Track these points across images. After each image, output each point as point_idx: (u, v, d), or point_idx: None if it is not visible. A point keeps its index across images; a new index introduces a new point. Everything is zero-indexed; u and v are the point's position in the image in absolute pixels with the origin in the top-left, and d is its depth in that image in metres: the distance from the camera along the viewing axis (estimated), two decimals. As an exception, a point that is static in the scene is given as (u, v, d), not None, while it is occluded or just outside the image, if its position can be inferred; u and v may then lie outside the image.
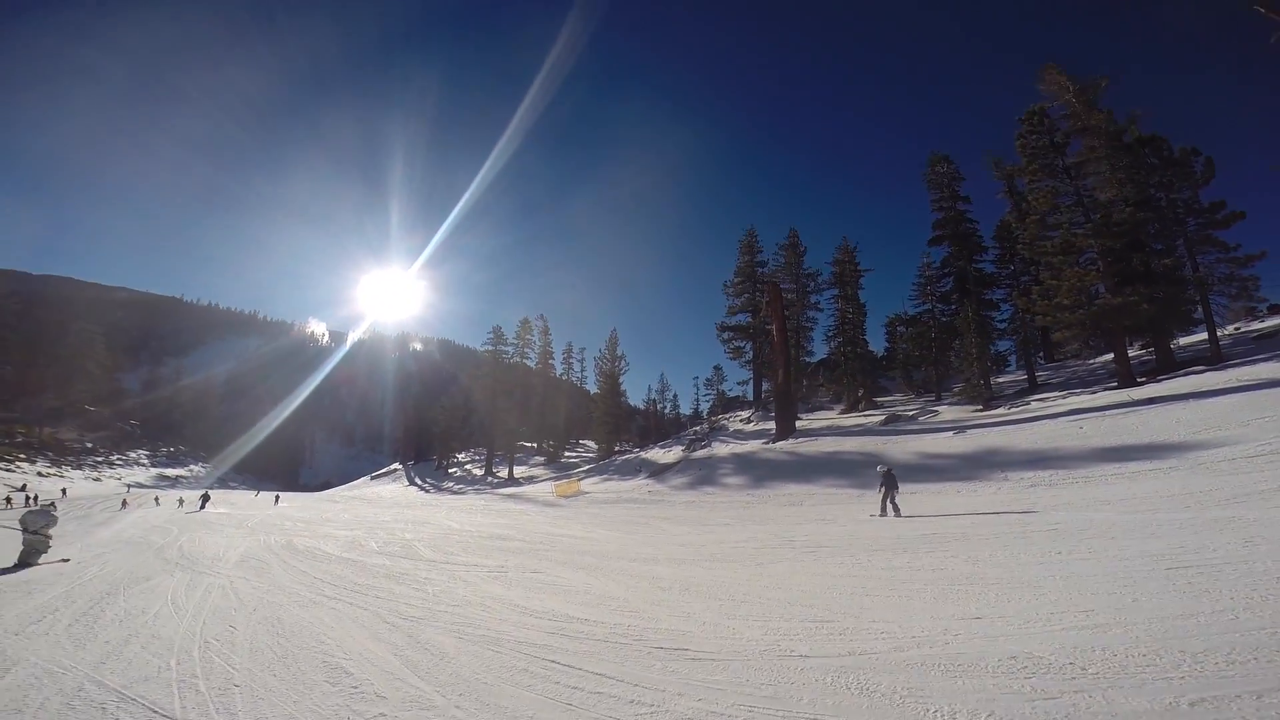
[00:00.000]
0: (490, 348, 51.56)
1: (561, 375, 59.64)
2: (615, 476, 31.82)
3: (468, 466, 54.00)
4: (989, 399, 27.06)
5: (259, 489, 61.57)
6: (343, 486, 64.87)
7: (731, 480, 24.57)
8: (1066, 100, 28.01)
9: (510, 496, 30.50)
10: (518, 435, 49.90)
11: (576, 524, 17.53)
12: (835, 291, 43.05)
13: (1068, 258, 25.62)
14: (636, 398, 76.96)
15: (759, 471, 24.53)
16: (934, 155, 37.11)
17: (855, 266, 41.76)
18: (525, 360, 52.36)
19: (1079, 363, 33.84)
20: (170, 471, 70.16)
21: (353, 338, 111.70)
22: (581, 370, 65.07)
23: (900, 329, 38.34)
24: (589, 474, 34.89)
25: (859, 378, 38.35)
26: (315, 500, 41.90)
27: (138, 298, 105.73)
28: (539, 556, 10.98)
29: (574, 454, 55.12)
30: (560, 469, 44.99)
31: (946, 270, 35.37)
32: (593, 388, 64.78)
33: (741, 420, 37.83)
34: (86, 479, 53.32)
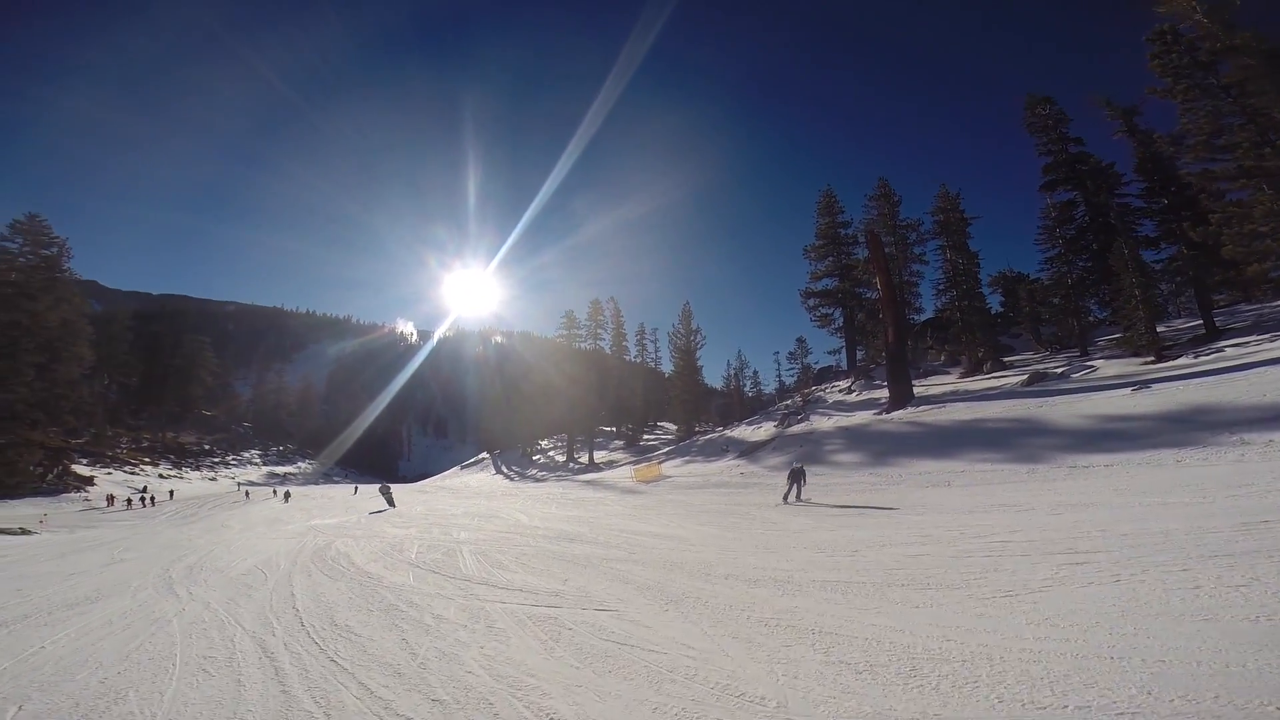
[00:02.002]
0: (564, 333, 49.20)
1: (635, 357, 56.64)
2: (699, 458, 28.21)
3: (550, 453, 52.01)
4: (1161, 348, 21.33)
5: (359, 482, 62.40)
6: (436, 477, 64.85)
7: (844, 458, 20.40)
8: (1195, 21, 21.98)
9: (589, 483, 27.56)
10: (595, 420, 47.23)
11: (660, 516, 14.11)
12: (939, 243, 37.29)
13: (1253, 181, 19.86)
14: (713, 378, 73.09)
15: (877, 446, 20.25)
16: (1032, 98, 32.09)
17: (961, 214, 35.83)
18: (599, 343, 49.53)
19: (1252, 306, 26.98)
20: (280, 469, 72.51)
21: (437, 335, 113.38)
22: (656, 351, 61.77)
23: (1020, 282, 32.46)
24: (669, 456, 31.49)
25: (979, 335, 32.70)
26: (402, 491, 40.86)
27: (245, 310, 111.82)
28: (610, 573, 7.65)
29: (653, 436, 52.00)
30: (639, 452, 41.89)
31: (1073, 213, 29.39)
32: (667, 368, 61.51)
33: (840, 391, 33.19)
34: (203, 479, 55.29)
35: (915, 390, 26.51)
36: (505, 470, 48.07)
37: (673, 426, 57.54)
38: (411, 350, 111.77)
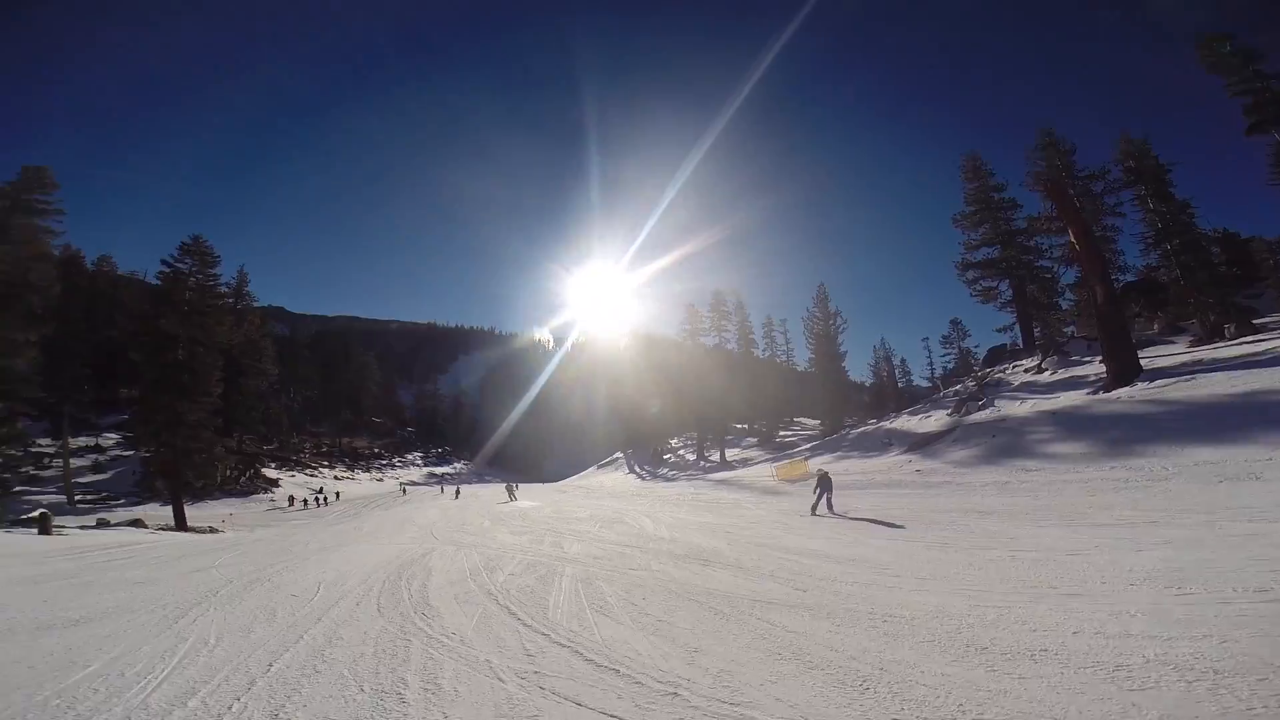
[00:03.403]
0: (686, 328, 46.53)
1: (764, 351, 52.53)
2: (854, 453, 23.86)
3: (680, 452, 49.46)
4: None
5: (508, 480, 64.28)
6: (574, 477, 65.08)
7: (1060, 448, 15.46)
8: None
9: (722, 483, 24.33)
10: (726, 416, 43.82)
11: (819, 526, 10.64)
12: (1133, 194, 29.80)
13: None
14: (853, 372, 66.39)
15: (1109, 432, 15.10)
16: (1211, 36, 26.25)
17: (1155, 160, 28.34)
18: (723, 335, 46.17)
19: None
20: (438, 470, 76.92)
21: (570, 339, 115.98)
22: (787, 343, 57.09)
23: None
24: (815, 452, 27.29)
25: (1210, 295, 25.10)
26: (543, 491, 40.45)
27: (405, 327, 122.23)
28: (771, 636, 4.58)
29: (790, 432, 47.47)
30: (775, 449, 37.79)
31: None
32: (800, 362, 56.48)
33: (1026, 370, 26.93)
34: (371, 480, 59.39)
35: (1140, 362, 20.17)
36: (637, 470, 46.22)
37: (812, 422, 52.54)
38: (548, 355, 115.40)
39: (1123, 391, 18.08)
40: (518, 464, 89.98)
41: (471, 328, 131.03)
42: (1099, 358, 23.58)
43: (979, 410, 22.67)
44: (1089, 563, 6.22)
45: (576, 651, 4.37)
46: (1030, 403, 21.11)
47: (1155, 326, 29.70)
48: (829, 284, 42.41)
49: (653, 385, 52.77)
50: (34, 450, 35.56)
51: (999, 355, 35.77)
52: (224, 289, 50.03)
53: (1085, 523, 8.72)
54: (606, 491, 30.65)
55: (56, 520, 23.04)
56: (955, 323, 53.00)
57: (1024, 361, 29.51)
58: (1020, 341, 34.94)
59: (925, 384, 52.52)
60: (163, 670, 4.22)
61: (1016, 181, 36.54)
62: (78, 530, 20.29)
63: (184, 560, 11.64)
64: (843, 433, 31.56)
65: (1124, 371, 19.02)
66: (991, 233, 34.65)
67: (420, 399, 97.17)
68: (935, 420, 24.60)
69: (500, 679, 3.89)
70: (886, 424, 27.96)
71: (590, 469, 64.91)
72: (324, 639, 5.06)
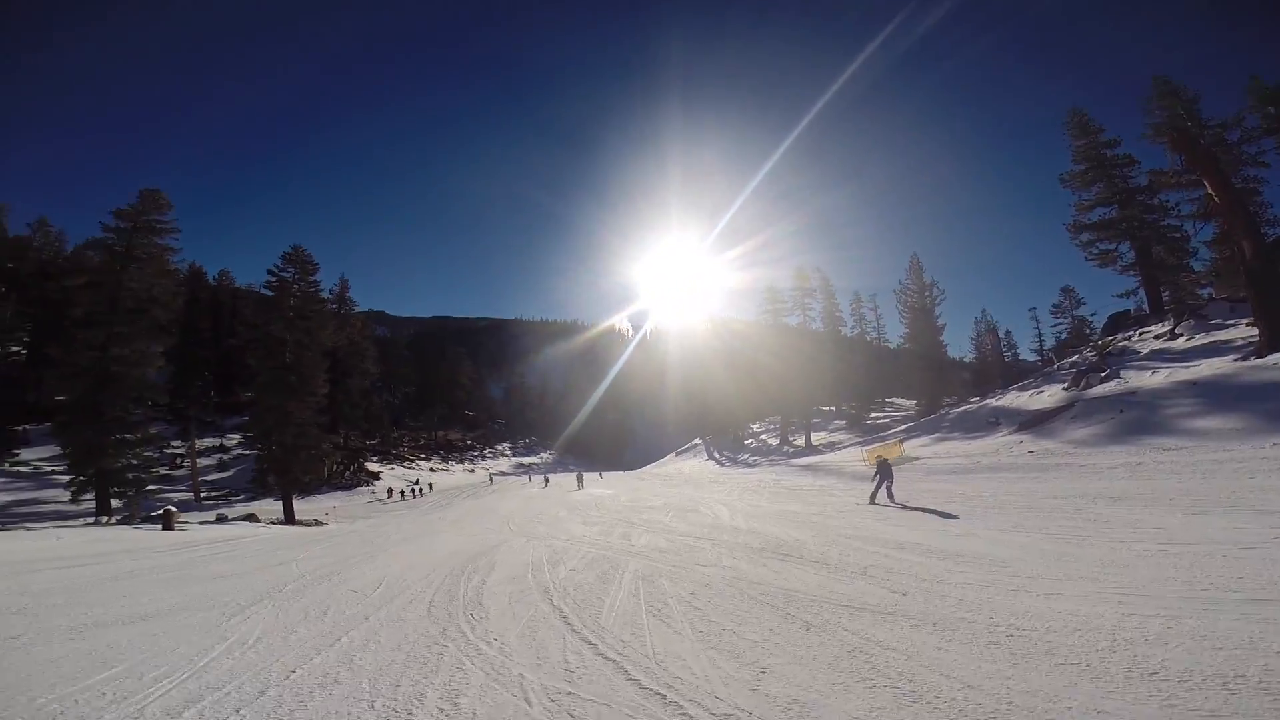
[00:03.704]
0: (769, 307, 44.63)
1: (853, 329, 49.71)
2: (955, 434, 21.76)
3: (763, 436, 47.89)
4: None
5: (591, 469, 65.45)
6: (653, 464, 65.00)
7: (1204, 423, 13.18)
8: None
9: (807, 468, 22.91)
10: (810, 399, 41.78)
11: (925, 517, 9.38)
12: (1272, 143, 25.59)
13: None
14: (952, 349, 61.72)
15: (1266, 404, 12.73)
16: None
17: None
18: (808, 314, 43.93)
19: None
20: (525, 459, 79.24)
21: (646, 327, 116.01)
22: (878, 320, 53.77)
23: None
24: (911, 433, 25.19)
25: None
26: (621, 479, 40.46)
27: (493, 323, 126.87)
28: (866, 660, 3.60)
29: (881, 414, 44.68)
30: (866, 432, 35.52)
31: None
32: (893, 340, 53.16)
33: (1157, 337, 23.52)
34: (464, 470, 61.93)
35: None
36: (716, 456, 45.20)
37: (906, 403, 49.31)
38: (627, 344, 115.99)
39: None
40: (599, 452, 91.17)
41: (555, 320, 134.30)
42: (1245, 320, 20.24)
43: (1101, 383, 19.93)
44: (1272, 560, 4.83)
45: (621, 668, 3.69)
46: (1164, 372, 18.28)
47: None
48: (923, 257, 39.10)
49: (732, 369, 51.43)
50: (168, 452, 39.71)
51: (1121, 322, 31.68)
52: (327, 296, 53.78)
53: (1249, 509, 7.07)
54: (684, 479, 29.98)
55: (182, 516, 25.38)
56: (1067, 290, 47.89)
57: (1152, 328, 25.89)
58: (1146, 307, 31.01)
59: (1034, 359, 47.96)
60: (183, 674, 3.97)
61: (1132, 137, 32.74)
62: (197, 525, 22.10)
63: (276, 553, 12.09)
64: (941, 413, 29.08)
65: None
66: (1107, 191, 31.12)
67: (509, 392, 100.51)
68: (1049, 395, 21.96)
69: (528, 701, 3.28)
70: (992, 401, 25.39)
71: (669, 456, 64.50)
72: (361, 642, 4.69)
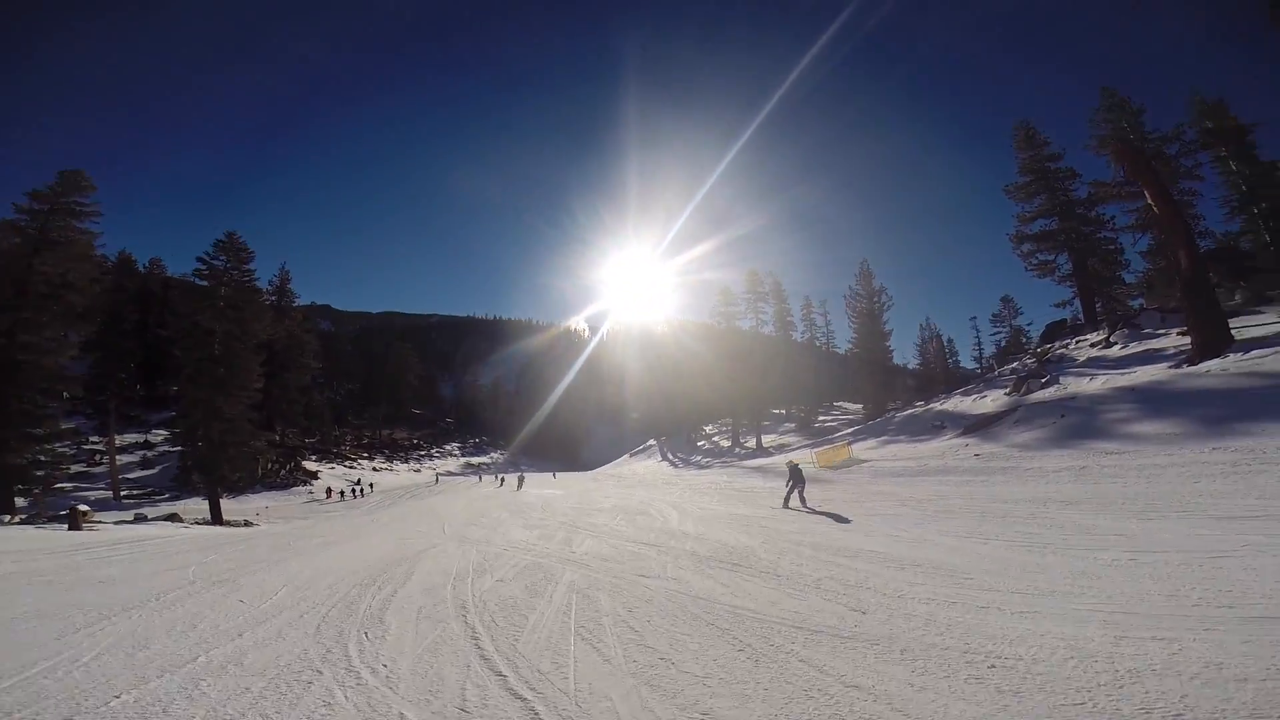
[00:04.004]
0: (721, 309, 44.60)
1: (803, 334, 50.38)
2: (902, 437, 21.87)
3: (715, 439, 47.84)
4: None
5: (545, 470, 64.08)
6: (608, 465, 64.25)
7: (1144, 428, 13.39)
8: None
9: (757, 470, 22.65)
10: (761, 402, 41.92)
11: (877, 521, 8.99)
12: (1208, 157, 27.08)
13: None
14: (896, 357, 63.38)
15: (1202, 409, 13.02)
16: None
17: (1235, 120, 25.66)
18: (760, 316, 44.10)
19: None
20: (475, 459, 77.08)
21: (603, 329, 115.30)
22: (828, 325, 54.68)
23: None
24: (858, 436, 25.30)
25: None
26: (576, 479, 39.54)
27: (445, 320, 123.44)
28: (823, 701, 2.94)
29: (829, 417, 45.30)
30: (815, 435, 35.80)
31: None
32: (841, 345, 54.23)
33: (1093, 345, 24.31)
34: (409, 470, 59.60)
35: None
36: (670, 457, 44.86)
37: (853, 406, 50.24)
38: (584, 345, 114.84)
39: (1213, 364, 15.70)
40: (554, 452, 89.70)
41: (509, 319, 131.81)
42: (1177, 330, 21.09)
43: (1042, 388, 20.38)
44: (1252, 569, 4.52)
45: (531, 710, 2.99)
46: (1101, 379, 18.79)
47: (1237, 297, 26.52)
48: (872, 264, 39.68)
49: (686, 371, 51.26)
50: (87, 447, 36.50)
51: (1058, 331, 32.87)
52: (267, 287, 50.80)
53: (1203, 514, 6.92)
54: (637, 480, 29.39)
55: (99, 515, 23.12)
56: (1007, 300, 49.74)
57: (1088, 336, 26.85)
58: (1081, 316, 32.33)
59: (974, 366, 49.56)
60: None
61: (1074, 151, 34.36)
62: (111, 525, 20.08)
63: (180, 556, 10.80)
64: (888, 416, 29.43)
65: (1212, 342, 16.56)
66: (1048, 203, 32.45)
67: (460, 390, 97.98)
68: (992, 400, 22.38)
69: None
70: (936, 405, 25.78)
71: (624, 457, 63.95)
72: (219, 664, 3.84)
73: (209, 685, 3.43)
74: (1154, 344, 21.20)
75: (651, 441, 62.06)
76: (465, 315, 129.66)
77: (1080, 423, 15.23)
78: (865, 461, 18.36)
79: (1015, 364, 30.34)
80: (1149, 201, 21.32)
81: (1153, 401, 14.90)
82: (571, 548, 8.50)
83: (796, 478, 11.75)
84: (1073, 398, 17.52)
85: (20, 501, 21.83)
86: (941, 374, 38.68)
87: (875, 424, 28.05)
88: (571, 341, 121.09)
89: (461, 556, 8.30)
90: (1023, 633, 3.66)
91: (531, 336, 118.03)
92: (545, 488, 30.12)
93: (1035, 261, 33.23)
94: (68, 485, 30.97)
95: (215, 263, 28.01)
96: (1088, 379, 19.30)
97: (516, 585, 6.04)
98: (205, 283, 28.44)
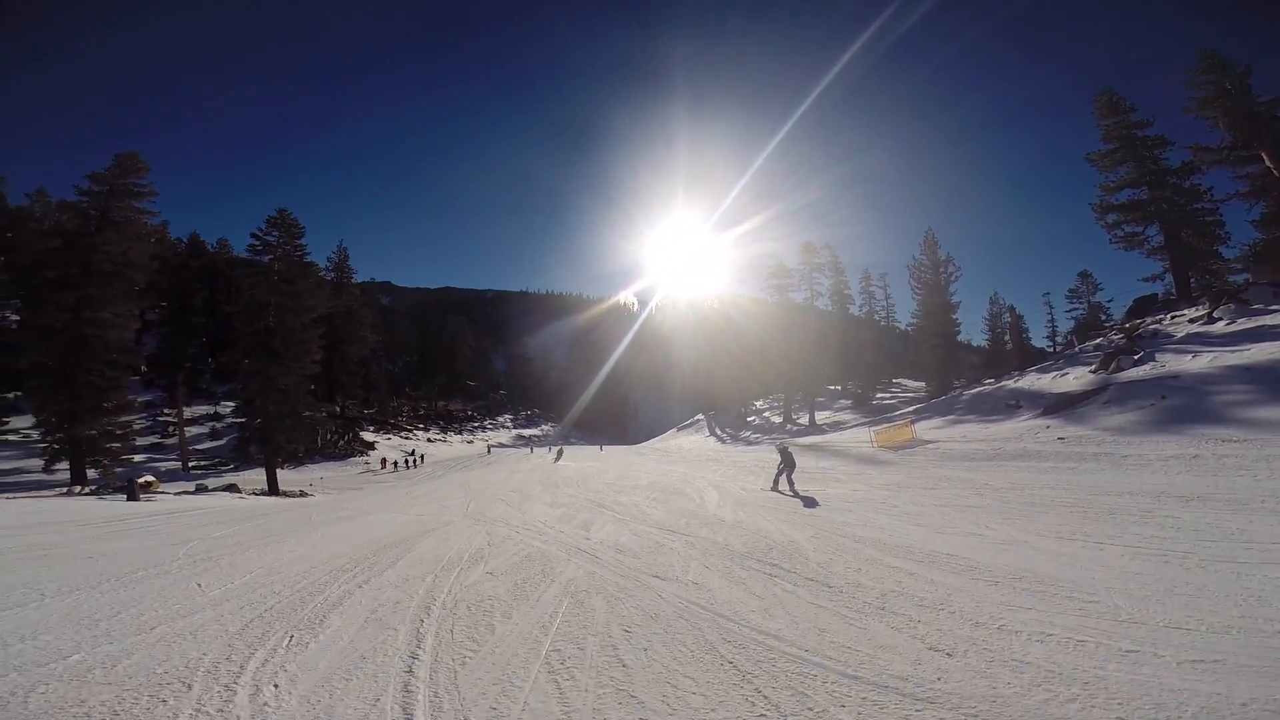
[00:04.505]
0: (774, 282, 42.38)
1: (862, 308, 47.66)
2: (971, 417, 19.79)
3: (766, 414, 46.10)
4: None
5: (594, 443, 64.12)
6: (655, 439, 63.59)
7: (1265, 413, 11.24)
8: None
9: (810, 448, 20.98)
10: (815, 377, 39.77)
11: (941, 510, 7.55)
12: None
13: None
14: (960, 334, 59.35)
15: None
16: None
17: None
18: (815, 289, 41.67)
19: None
20: (526, 431, 77.93)
21: (652, 303, 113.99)
22: (887, 299, 51.55)
23: None
24: (921, 415, 23.22)
25: None
26: (621, 453, 38.86)
27: (499, 295, 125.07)
28: None
29: (888, 394, 42.73)
30: (872, 413, 33.59)
31: None
32: (902, 320, 51.07)
33: (1192, 321, 21.24)
34: (462, 441, 60.57)
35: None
36: (718, 432, 43.54)
37: (913, 384, 47.29)
38: (633, 319, 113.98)
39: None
40: (603, 426, 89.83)
41: (561, 294, 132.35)
42: (1294, 303, 18.08)
43: (1134, 365, 17.82)
44: None
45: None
46: (1208, 357, 16.16)
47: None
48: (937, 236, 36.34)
49: (737, 345, 49.49)
50: (161, 419, 38.40)
51: (1147, 306, 29.38)
52: (326, 264, 52.02)
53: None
54: (681, 455, 28.25)
55: (164, 485, 23.96)
56: (1084, 275, 45.60)
57: (1185, 311, 23.64)
58: (1174, 291, 28.90)
59: (1044, 346, 45.86)
60: None
61: (1167, 117, 31.06)
62: (170, 496, 20.61)
63: (201, 529, 10.43)
64: (954, 394, 27.08)
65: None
66: (1135, 172, 29.34)
67: (512, 364, 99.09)
68: (1074, 378, 19.88)
69: None
70: (1009, 383, 23.32)
71: (671, 431, 63.05)
72: (78, 670, 2.96)
73: (45, 692, 2.54)
74: (1267, 320, 18.21)
75: (699, 416, 60.83)
76: (519, 290, 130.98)
77: (1186, 405, 12.98)
78: (930, 443, 16.51)
79: (1100, 339, 27.30)
80: (1268, 164, 18.24)
81: (1273, 383, 12.52)
82: (588, 533, 7.44)
83: (788, 461, 11.60)
84: (1174, 377, 15.08)
85: (92, 473, 22.72)
86: (1016, 350, 35.28)
87: (940, 402, 25.80)
88: (621, 316, 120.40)
89: (467, 539, 7.38)
90: (1210, 701, 2.30)
91: (582, 311, 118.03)
92: (586, 460, 29.49)
93: (1121, 233, 30.11)
94: (140, 457, 32.58)
95: (268, 238, 28.28)
96: (1189, 357, 16.68)
97: (505, 581, 5.00)
98: (256, 257, 28.80)
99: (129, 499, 17.53)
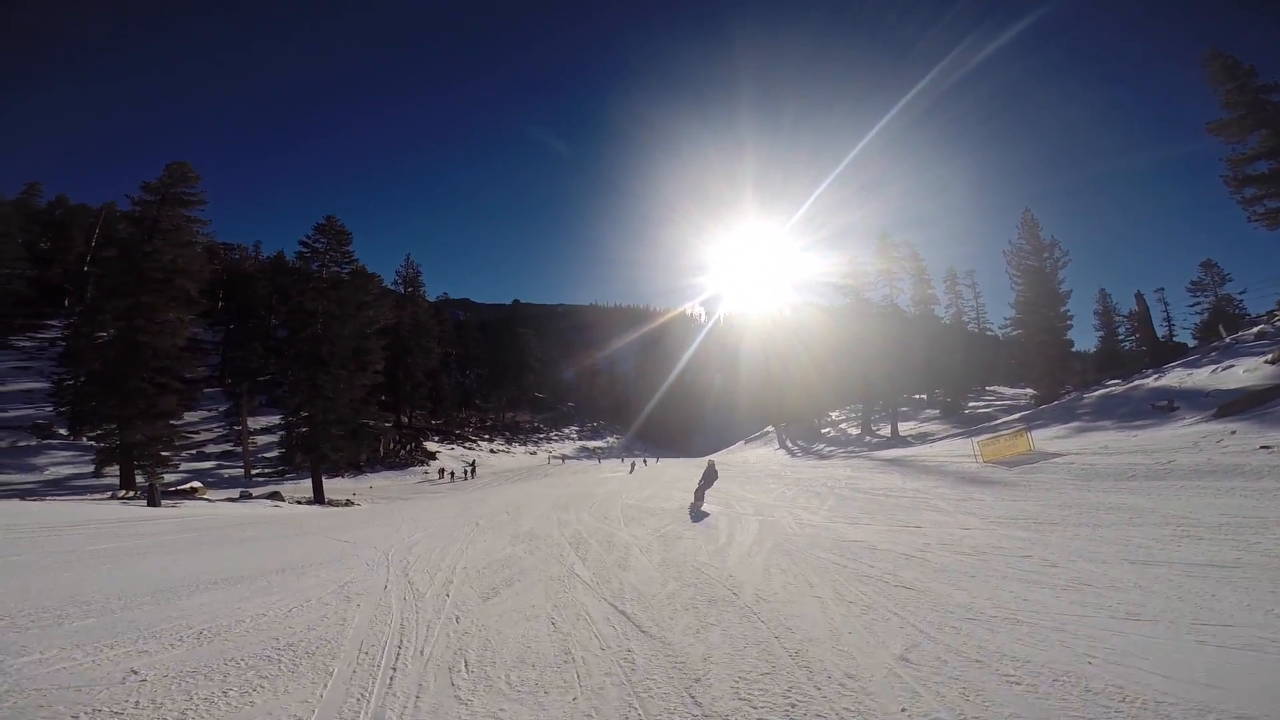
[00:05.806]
0: (850, 284, 38.15)
1: (948, 309, 42.42)
2: (1106, 423, 15.43)
3: (842, 425, 41.66)
4: None
5: (657, 454, 61.37)
6: (722, 451, 59.96)
7: None
8: None
9: (893, 463, 17.11)
10: (898, 385, 35.10)
11: (1153, 572, 4.08)
12: None
13: None
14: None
15: None
16: None
17: None
18: (895, 287, 37.06)
19: None
20: (590, 444, 76.23)
21: (719, 313, 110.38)
22: (976, 301, 45.87)
23: None
24: (1031, 423, 18.74)
25: None
26: (682, 466, 35.89)
27: (570, 309, 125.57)
28: None
29: (980, 403, 37.30)
30: (963, 422, 28.75)
31: None
32: (993, 323, 45.34)
33: None
34: (525, 453, 59.42)
35: None
36: (789, 445, 39.59)
37: (1009, 391, 41.40)
38: (699, 330, 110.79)
39: None
40: (668, 438, 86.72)
41: (629, 306, 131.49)
42: None
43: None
44: None
45: None
46: None
47: None
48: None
49: (809, 354, 45.33)
50: (237, 428, 39.24)
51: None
52: (395, 278, 52.59)
53: None
54: (740, 470, 24.89)
55: (215, 492, 23.50)
56: (1209, 265, 38.71)
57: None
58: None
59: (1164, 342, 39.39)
60: None
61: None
62: (204, 502, 19.78)
63: (184, 536, 8.58)
64: (1072, 395, 22.28)
65: None
66: (1273, 139, 23.71)
67: (579, 375, 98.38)
68: (1247, 372, 15.10)
69: None
70: (1149, 381, 18.49)
71: (738, 443, 59.24)
72: None
73: None
74: None
75: (769, 428, 56.70)
76: (588, 304, 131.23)
77: None
78: (1057, 455, 12.51)
79: (1258, 327, 21.77)
80: None
81: None
82: (458, 622, 4.70)
83: (709, 474, 11.53)
84: None
85: (140, 479, 22.42)
86: (1150, 344, 29.17)
87: (1054, 408, 21.10)
88: (688, 327, 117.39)
89: (357, 609, 4.83)
90: None
91: (648, 323, 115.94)
92: (639, 474, 26.86)
93: (1263, 209, 24.31)
94: (211, 463, 33.02)
95: (316, 245, 27.76)
96: None
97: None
98: (310, 265, 28.37)
99: (149, 504, 16.69)
